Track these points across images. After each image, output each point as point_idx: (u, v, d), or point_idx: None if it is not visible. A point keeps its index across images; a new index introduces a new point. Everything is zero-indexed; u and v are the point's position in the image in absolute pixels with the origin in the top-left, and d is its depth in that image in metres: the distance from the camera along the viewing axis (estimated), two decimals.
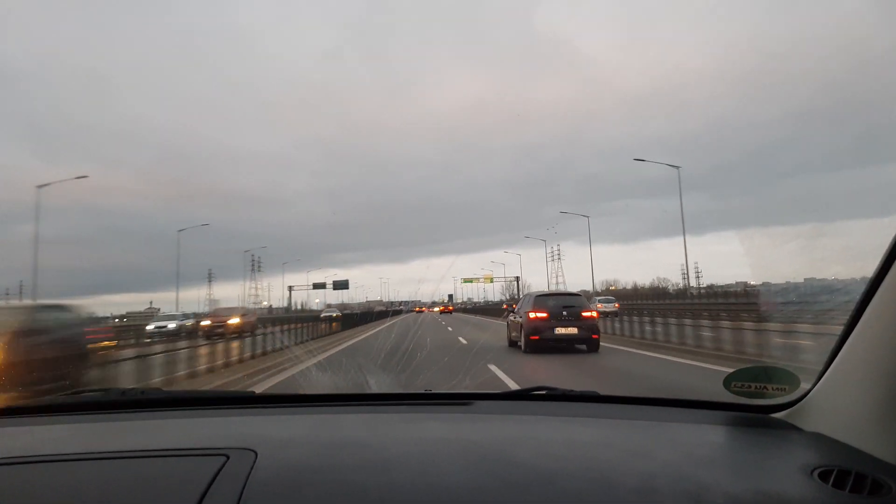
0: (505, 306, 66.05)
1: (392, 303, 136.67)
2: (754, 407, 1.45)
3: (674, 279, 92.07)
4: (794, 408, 1.36)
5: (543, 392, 1.70)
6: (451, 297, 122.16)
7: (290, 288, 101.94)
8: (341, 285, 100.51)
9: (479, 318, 50.01)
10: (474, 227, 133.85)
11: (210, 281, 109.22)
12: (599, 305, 32.71)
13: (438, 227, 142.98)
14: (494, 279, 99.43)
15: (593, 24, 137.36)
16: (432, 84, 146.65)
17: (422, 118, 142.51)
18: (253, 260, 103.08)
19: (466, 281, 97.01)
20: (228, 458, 1.09)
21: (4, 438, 1.38)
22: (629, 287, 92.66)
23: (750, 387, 1.40)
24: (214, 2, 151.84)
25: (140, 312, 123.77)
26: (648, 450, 1.20)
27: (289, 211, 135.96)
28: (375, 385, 3.00)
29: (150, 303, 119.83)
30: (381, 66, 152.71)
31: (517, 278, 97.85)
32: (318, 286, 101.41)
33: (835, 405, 1.23)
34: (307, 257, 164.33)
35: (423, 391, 1.80)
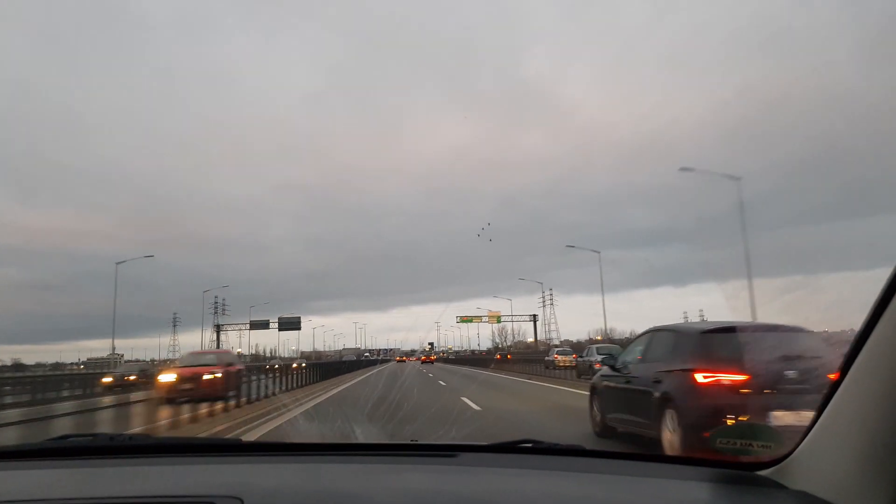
0: (498, 356, 61.33)
1: (371, 351, 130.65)
2: (739, 464, 1.43)
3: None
4: (779, 465, 1.34)
5: (529, 445, 1.68)
6: (432, 345, 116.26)
7: (218, 327, 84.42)
8: (289, 325, 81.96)
9: (470, 369, 43.96)
10: (454, 275, 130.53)
11: (175, 326, 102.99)
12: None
13: (418, 275, 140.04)
14: (502, 318, 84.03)
15: (581, 73, 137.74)
16: (416, 130, 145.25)
17: (404, 164, 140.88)
18: (216, 304, 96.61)
19: (464, 320, 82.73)
20: None
21: None
22: (626, 335, 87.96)
23: (735, 443, 1.40)
24: (195, 43, 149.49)
25: (103, 359, 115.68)
26: None
27: (268, 257, 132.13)
28: (362, 435, 3.03)
29: (113, 349, 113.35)
30: (364, 111, 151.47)
31: (534, 317, 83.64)
32: (258, 325, 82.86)
33: (820, 463, 1.22)
34: (286, 304, 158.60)
35: (409, 442, 1.81)
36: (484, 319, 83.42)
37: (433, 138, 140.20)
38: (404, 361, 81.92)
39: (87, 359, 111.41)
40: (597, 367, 21.88)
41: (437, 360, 79.64)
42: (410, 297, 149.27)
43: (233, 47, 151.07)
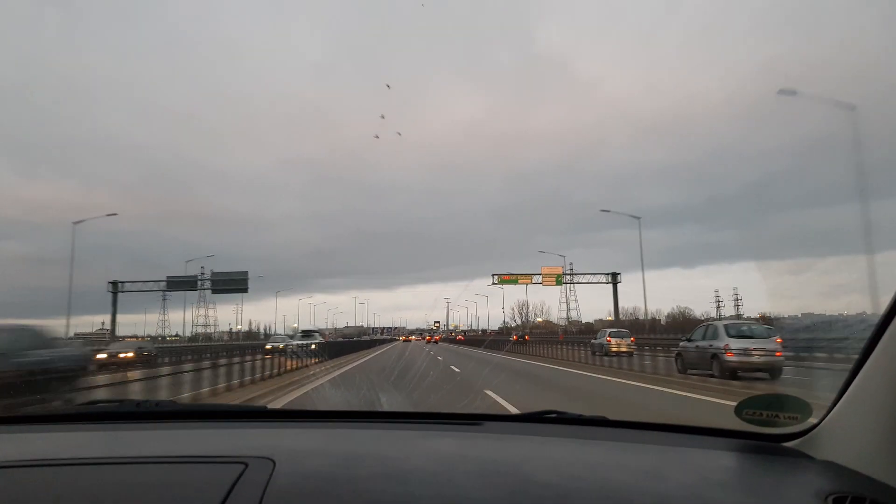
0: (514, 336, 54.07)
1: (374, 329, 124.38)
2: (766, 435, 1.43)
3: (698, 308, 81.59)
4: (806, 437, 1.35)
5: (553, 415, 1.69)
6: (438, 324, 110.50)
7: (115, 286, 60.63)
8: (229, 285, 58.72)
9: (486, 353, 36.35)
10: (462, 254, 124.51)
11: (164, 300, 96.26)
12: (773, 343, 14.45)
13: (426, 254, 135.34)
14: (566, 277, 61.05)
15: (598, 47, 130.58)
16: (426, 105, 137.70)
17: (413, 141, 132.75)
18: (201, 275, 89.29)
19: (504, 281, 60.34)
20: (247, 465, 1.10)
21: (24, 443, 1.42)
22: (651, 315, 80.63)
23: (762, 415, 1.40)
24: (201, 11, 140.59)
25: (90, 334, 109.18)
26: (662, 472, 1.21)
27: (274, 234, 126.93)
28: (387, 404, 3.26)
29: (102, 324, 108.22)
30: (374, 84, 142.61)
31: (614, 276, 61.53)
32: (179, 285, 59.44)
33: (847, 434, 1.23)
34: (291, 282, 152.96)
35: (435, 411, 1.80)
36: (536, 280, 59.83)
37: (445, 112, 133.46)
38: (409, 341, 76.28)
39: (74, 334, 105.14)
40: (728, 356, 14.22)
41: (441, 339, 72.93)
42: (417, 276, 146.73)
43: (239, 13, 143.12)
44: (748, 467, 1.27)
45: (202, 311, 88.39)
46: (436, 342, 64.85)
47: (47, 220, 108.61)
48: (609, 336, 27.37)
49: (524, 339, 45.31)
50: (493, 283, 61.22)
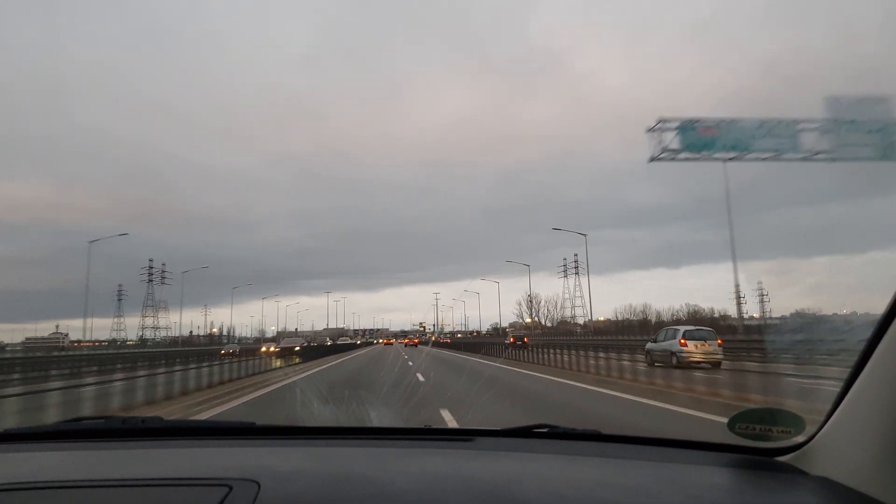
0: (511, 339, 46.26)
1: (356, 331, 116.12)
2: (759, 450, 1.41)
3: (705, 306, 75.20)
4: (799, 451, 1.33)
5: (545, 430, 1.66)
6: (423, 325, 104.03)
7: None
8: None
9: (482, 361, 27.54)
10: (451, 254, 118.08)
11: (120, 301, 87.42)
12: None
13: (413, 253, 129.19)
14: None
15: (596, 42, 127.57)
16: (416, 99, 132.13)
17: (402, 137, 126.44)
18: (151, 274, 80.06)
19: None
20: (231, 488, 1.08)
21: (5, 464, 1.38)
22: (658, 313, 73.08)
23: (755, 429, 1.37)
24: (184, 1, 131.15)
25: (44, 338, 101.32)
26: (652, 490, 1.19)
27: (257, 234, 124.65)
28: (377, 419, 3.03)
29: (56, 327, 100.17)
30: (362, 77, 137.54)
31: None
32: None
33: (841, 449, 1.21)
34: (273, 284, 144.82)
35: (425, 426, 1.77)
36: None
37: (435, 108, 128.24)
38: (391, 344, 70.54)
39: (26, 339, 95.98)
40: None
41: (425, 342, 65.49)
42: (404, 277, 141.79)
43: (224, 4, 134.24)
44: (740, 483, 1.25)
45: (152, 314, 79.57)
46: (414, 345, 58.76)
47: (23, 221, 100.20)
48: (683, 338, 18.20)
49: (523, 341, 38.33)
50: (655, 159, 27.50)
